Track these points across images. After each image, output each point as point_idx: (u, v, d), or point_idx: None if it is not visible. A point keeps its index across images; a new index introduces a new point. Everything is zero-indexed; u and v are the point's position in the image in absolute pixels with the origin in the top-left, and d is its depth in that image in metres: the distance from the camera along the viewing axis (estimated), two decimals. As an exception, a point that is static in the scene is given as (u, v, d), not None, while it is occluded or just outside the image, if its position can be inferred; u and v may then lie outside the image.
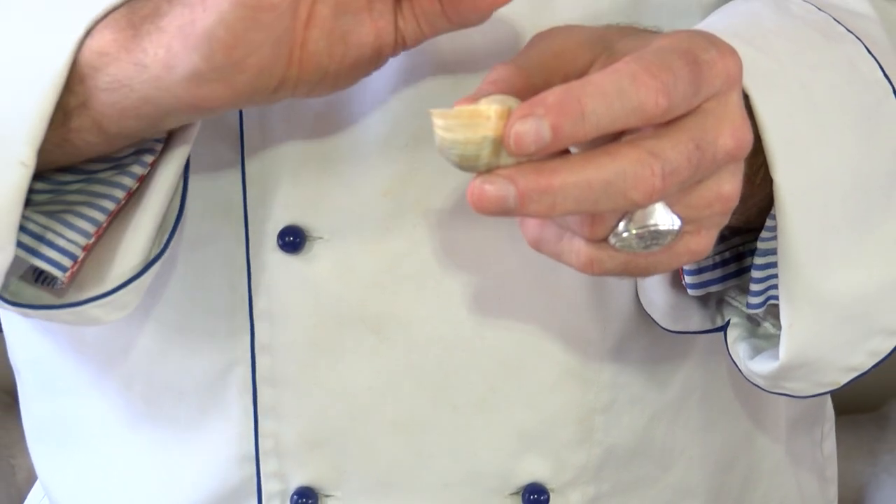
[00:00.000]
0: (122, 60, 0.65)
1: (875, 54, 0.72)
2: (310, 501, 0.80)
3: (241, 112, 0.74)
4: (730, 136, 0.59)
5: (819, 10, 0.73)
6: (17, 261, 0.71)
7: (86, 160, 0.72)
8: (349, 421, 0.77)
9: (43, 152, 0.67)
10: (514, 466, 0.78)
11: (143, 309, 0.80)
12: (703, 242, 0.62)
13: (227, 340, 0.79)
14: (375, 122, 0.74)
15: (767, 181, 0.66)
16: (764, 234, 0.70)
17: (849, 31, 0.72)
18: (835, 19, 0.73)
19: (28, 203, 0.71)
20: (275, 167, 0.75)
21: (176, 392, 0.82)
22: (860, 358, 0.71)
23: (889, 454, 1.55)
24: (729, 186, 0.61)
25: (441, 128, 0.58)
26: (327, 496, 0.80)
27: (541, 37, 0.64)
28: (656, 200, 0.58)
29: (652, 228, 0.59)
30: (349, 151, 0.75)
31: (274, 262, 0.76)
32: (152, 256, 0.73)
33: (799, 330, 0.69)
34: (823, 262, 0.69)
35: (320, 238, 0.75)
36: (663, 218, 0.59)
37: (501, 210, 0.57)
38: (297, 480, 0.79)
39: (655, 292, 0.76)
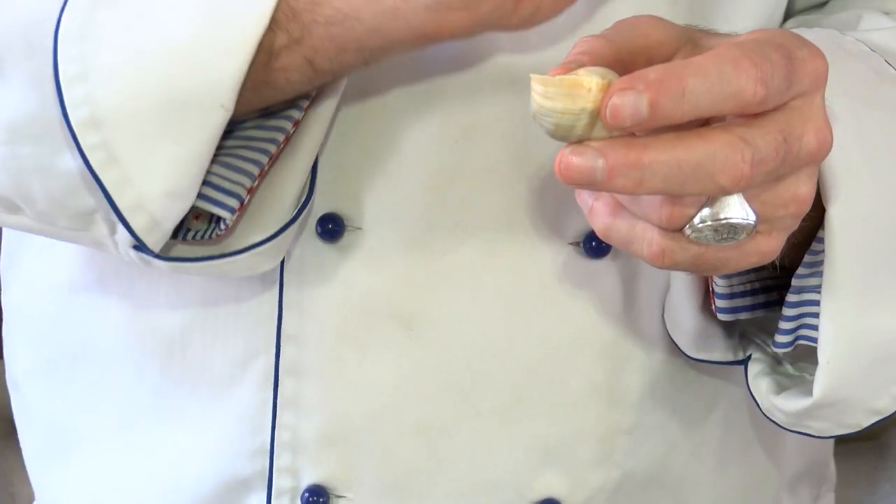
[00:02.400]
0: None
1: None
2: (321, 500, 0.80)
3: None
4: (813, 136, 0.59)
5: (872, 50, 0.74)
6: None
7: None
8: (370, 419, 0.77)
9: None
10: (531, 480, 0.78)
11: (167, 293, 0.80)
12: (773, 244, 0.63)
13: (252, 328, 0.78)
14: (426, 113, 0.74)
15: (809, 214, 0.66)
16: (801, 270, 0.70)
17: None
18: (886, 61, 0.74)
19: None
20: (321, 149, 0.75)
21: (189, 385, 0.82)
22: (885, 401, 0.71)
23: (888, 482, 1.55)
24: (805, 188, 0.61)
25: (540, 94, 0.58)
26: (339, 497, 0.79)
27: (627, 21, 0.64)
28: (743, 187, 0.58)
29: (729, 221, 0.60)
30: (396, 143, 0.74)
31: (309, 251, 0.75)
32: (302, 201, 0.73)
33: (836, 367, 0.69)
34: (867, 300, 0.69)
35: (358, 228, 0.74)
36: (741, 211, 0.60)
37: (588, 181, 0.57)
38: (310, 478, 0.79)
39: (683, 315, 0.76)
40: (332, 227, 0.74)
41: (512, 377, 0.77)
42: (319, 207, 0.75)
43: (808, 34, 0.73)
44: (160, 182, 0.68)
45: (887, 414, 0.72)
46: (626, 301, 0.78)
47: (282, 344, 0.77)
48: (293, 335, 0.76)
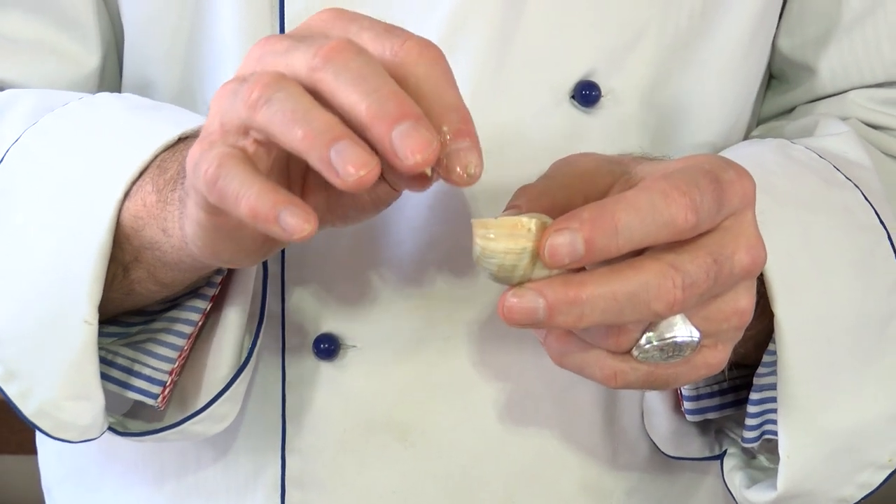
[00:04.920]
0: (152, 226, 0.69)
1: (871, 201, 0.75)
2: None
3: None
4: (746, 253, 0.61)
5: (820, 157, 0.77)
6: (116, 398, 0.76)
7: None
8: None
9: (111, 304, 0.72)
10: None
11: None
12: (720, 356, 0.64)
13: (259, 443, 0.80)
14: (411, 241, 0.76)
15: (765, 315, 0.68)
16: (761, 369, 0.72)
17: (847, 178, 0.76)
18: (835, 167, 0.76)
19: (114, 337, 0.76)
20: (314, 278, 0.78)
21: (205, 494, 0.84)
22: (850, 490, 0.73)
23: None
24: (745, 301, 0.62)
25: (482, 237, 0.60)
26: None
27: (563, 161, 0.66)
28: (677, 311, 0.59)
29: (673, 340, 0.61)
30: (384, 267, 0.77)
31: (309, 368, 0.78)
32: (240, 366, 0.76)
33: (796, 461, 0.71)
34: (821, 397, 0.70)
35: (354, 346, 0.77)
36: (683, 331, 0.61)
37: (531, 322, 0.58)
38: None
39: (658, 417, 0.77)
40: (328, 347, 0.77)
41: (505, 480, 0.78)
42: (316, 328, 0.78)
43: (761, 144, 0.80)
44: (56, 390, 0.73)
45: (853, 502, 0.74)
46: (605, 402, 0.80)
47: (286, 456, 0.79)
48: (296, 448, 0.78)
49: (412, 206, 0.76)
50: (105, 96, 0.79)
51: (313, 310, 0.78)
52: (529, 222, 0.59)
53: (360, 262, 0.77)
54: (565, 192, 0.63)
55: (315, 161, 0.55)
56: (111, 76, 0.86)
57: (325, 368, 0.78)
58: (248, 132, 0.59)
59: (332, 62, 0.57)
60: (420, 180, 0.61)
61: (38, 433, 0.91)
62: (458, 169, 0.56)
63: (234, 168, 0.57)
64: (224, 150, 0.58)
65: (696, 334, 0.61)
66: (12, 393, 0.73)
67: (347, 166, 0.55)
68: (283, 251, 0.77)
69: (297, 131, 0.56)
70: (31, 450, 0.96)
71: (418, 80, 0.58)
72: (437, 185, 0.71)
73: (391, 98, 0.57)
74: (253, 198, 0.56)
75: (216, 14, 0.78)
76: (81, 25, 0.82)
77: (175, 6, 0.80)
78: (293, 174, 0.64)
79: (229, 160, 0.57)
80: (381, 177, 0.61)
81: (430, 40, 0.60)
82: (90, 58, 0.83)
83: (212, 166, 0.58)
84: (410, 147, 0.55)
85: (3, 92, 0.81)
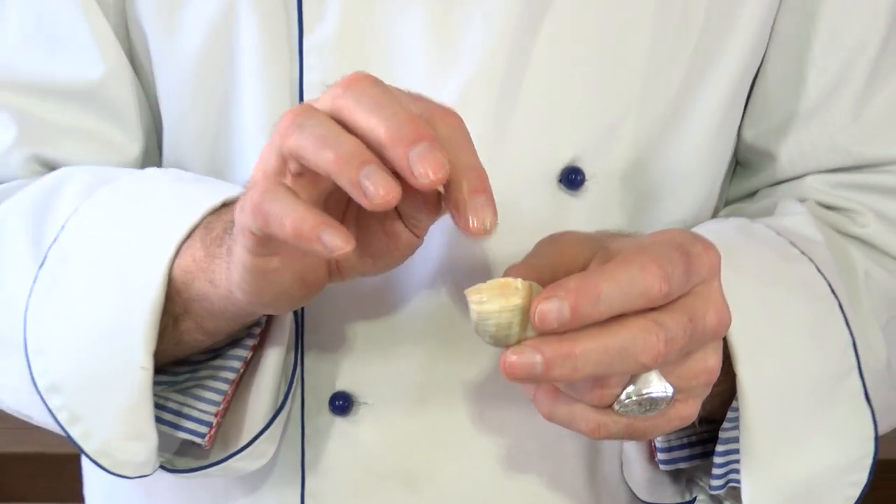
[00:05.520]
0: (200, 279, 0.72)
1: (824, 273, 0.78)
2: None
3: None
4: (714, 314, 0.64)
5: (778, 234, 0.80)
6: (167, 438, 0.79)
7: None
8: None
9: (162, 354, 0.75)
10: None
11: None
12: (690, 409, 0.67)
13: (282, 485, 0.83)
14: (416, 311, 0.80)
15: (729, 375, 0.71)
16: (725, 424, 0.75)
17: (803, 253, 0.79)
18: (791, 243, 0.79)
19: (164, 385, 0.79)
20: (329, 341, 0.81)
21: None
22: None
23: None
24: (713, 360, 0.66)
25: (477, 302, 0.62)
26: None
27: (547, 239, 0.68)
28: (660, 364, 0.62)
29: (650, 396, 0.65)
30: (393, 331, 0.80)
31: (325, 423, 0.81)
32: (277, 408, 0.79)
33: None
34: (780, 449, 0.74)
35: (366, 403, 0.81)
36: (659, 387, 0.65)
37: (530, 376, 0.61)
38: None
39: (635, 466, 0.81)
40: (342, 404, 0.81)
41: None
42: (331, 386, 0.82)
43: (726, 223, 0.84)
44: (114, 431, 0.76)
45: None
46: (588, 455, 0.84)
47: (305, 500, 0.83)
48: (314, 493, 0.82)
49: (417, 282, 0.79)
50: (152, 171, 0.83)
51: (329, 369, 0.82)
52: (516, 281, 0.62)
53: (372, 327, 0.81)
54: (550, 266, 0.66)
55: (345, 182, 0.59)
56: (152, 160, 0.89)
57: (340, 423, 0.81)
58: (286, 171, 0.63)
59: (351, 89, 0.61)
60: (431, 207, 0.64)
61: (85, 482, 0.97)
62: (476, 222, 0.60)
63: (278, 193, 0.61)
64: (268, 183, 0.62)
65: (670, 390, 0.64)
66: (76, 434, 0.76)
67: (376, 188, 0.58)
68: (301, 316, 0.80)
69: (328, 154, 0.60)
70: (80, 498, 0.98)
71: (441, 140, 0.61)
72: (437, 266, 0.78)
73: (408, 122, 0.60)
74: (297, 218, 0.60)
75: (241, 108, 0.83)
76: (126, 118, 0.87)
77: (205, 103, 0.84)
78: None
79: (273, 187, 0.61)
80: (401, 217, 0.66)
81: (451, 108, 0.64)
82: (133, 146, 0.87)
83: (257, 194, 0.62)
84: (426, 166, 0.58)
85: (60, 169, 0.85)
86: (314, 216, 0.60)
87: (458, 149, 0.62)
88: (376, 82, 0.62)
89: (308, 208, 0.60)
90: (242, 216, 0.63)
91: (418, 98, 0.64)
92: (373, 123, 0.60)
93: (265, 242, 0.63)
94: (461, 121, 0.63)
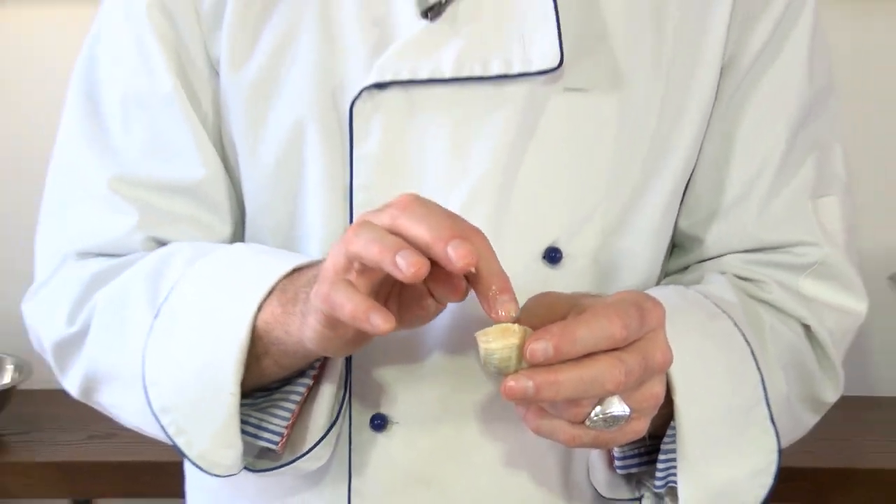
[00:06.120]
0: (278, 329, 0.79)
1: (740, 327, 0.85)
2: None
3: None
4: (661, 354, 0.71)
5: (705, 297, 0.87)
6: (249, 445, 0.84)
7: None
8: None
9: (246, 384, 0.81)
10: None
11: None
12: (642, 426, 0.74)
13: (334, 488, 0.91)
14: (437, 350, 0.87)
15: (669, 403, 0.78)
16: (666, 439, 0.82)
17: (723, 311, 0.86)
18: (714, 304, 0.86)
19: (247, 406, 0.84)
20: (371, 375, 0.88)
21: None
22: None
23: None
24: (658, 389, 0.73)
25: (484, 342, 0.68)
26: None
27: (537, 296, 0.74)
28: (621, 391, 0.69)
29: (612, 414, 0.70)
30: (418, 368, 0.87)
31: (367, 437, 0.89)
32: (331, 422, 0.85)
33: (690, 503, 0.81)
34: (707, 458, 0.80)
35: (397, 423, 0.88)
36: (619, 408, 0.71)
37: (524, 397, 0.67)
38: None
39: (598, 470, 0.88)
40: (380, 423, 0.88)
41: (511, 499, 0.89)
42: (371, 409, 0.88)
43: (667, 289, 0.89)
44: (209, 441, 0.82)
45: None
46: (562, 464, 0.91)
47: (352, 497, 0.90)
48: (358, 490, 0.90)
49: (436, 333, 0.85)
50: (239, 245, 0.90)
51: (370, 396, 0.88)
52: (513, 326, 0.68)
53: (403, 365, 0.87)
54: (539, 316, 0.71)
55: (386, 265, 0.66)
56: (238, 237, 0.95)
57: (378, 437, 0.89)
58: (350, 269, 0.69)
59: (406, 210, 0.68)
60: (459, 290, 0.71)
61: (187, 480, 1.04)
62: (503, 313, 0.69)
63: (341, 287, 0.69)
64: (335, 279, 0.70)
65: (627, 410, 0.71)
66: (180, 443, 0.84)
67: (408, 264, 0.65)
68: (349, 356, 0.85)
69: (376, 248, 0.67)
70: (181, 494, 1.06)
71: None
72: (452, 321, 0.83)
73: (446, 228, 0.67)
74: (353, 306, 0.67)
75: (306, 202, 0.90)
76: (219, 208, 0.94)
77: (279, 199, 0.91)
78: (382, 299, 0.74)
79: (338, 282, 0.69)
80: (431, 294, 0.72)
81: (480, 229, 0.70)
82: (224, 228, 0.94)
83: (326, 286, 0.69)
84: (460, 255, 0.66)
85: (170, 244, 0.91)
86: (366, 303, 0.68)
87: (487, 258, 0.69)
88: (424, 202, 0.70)
89: (362, 298, 0.68)
90: (316, 300, 0.71)
91: (455, 216, 0.71)
92: (421, 231, 0.68)
93: (331, 319, 0.72)
94: (486, 238, 0.70)
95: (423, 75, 0.84)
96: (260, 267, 0.82)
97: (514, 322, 0.69)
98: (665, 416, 0.80)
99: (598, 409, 0.70)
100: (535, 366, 0.68)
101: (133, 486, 1.26)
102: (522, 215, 0.86)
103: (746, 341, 0.85)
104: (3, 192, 1.40)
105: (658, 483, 0.84)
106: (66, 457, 1.28)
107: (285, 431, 0.84)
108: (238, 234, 0.95)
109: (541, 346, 0.67)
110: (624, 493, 0.89)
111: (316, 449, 0.85)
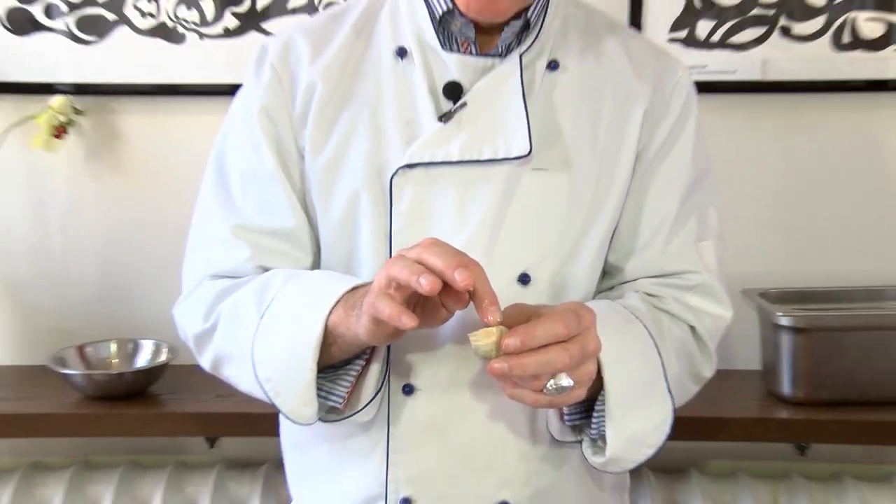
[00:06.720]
0: (341, 326, 0.79)
1: (648, 328, 0.85)
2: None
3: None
4: (593, 344, 0.73)
5: (624, 308, 0.86)
6: (322, 405, 0.84)
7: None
8: (434, 462, 0.87)
9: (321, 363, 0.80)
10: (490, 489, 0.88)
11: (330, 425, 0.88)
12: (581, 392, 0.75)
13: (377, 433, 0.89)
14: (447, 341, 0.86)
15: (599, 378, 0.79)
16: (598, 403, 0.83)
17: (637, 318, 0.85)
18: (631, 312, 0.86)
19: (321, 378, 0.83)
20: (404, 357, 0.86)
21: (351, 450, 0.90)
22: (640, 455, 0.84)
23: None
24: (592, 368, 0.75)
25: (474, 340, 0.71)
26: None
27: (512, 307, 0.75)
28: (567, 369, 0.71)
29: (561, 385, 0.72)
30: (435, 352, 0.86)
31: (399, 400, 0.87)
32: (377, 389, 0.85)
33: (614, 444, 0.81)
34: (625, 415, 0.81)
35: (420, 390, 0.87)
36: (566, 381, 0.72)
37: (502, 375, 0.70)
38: (404, 492, 0.87)
39: (553, 423, 0.88)
40: (408, 390, 0.87)
41: (490, 446, 0.88)
42: (403, 380, 0.86)
43: (599, 302, 0.87)
44: (296, 401, 0.82)
45: (641, 461, 0.83)
46: (532, 417, 0.89)
47: (390, 441, 0.88)
48: (395, 435, 0.88)
49: (448, 329, 0.84)
50: (317, 272, 0.89)
51: (402, 371, 0.87)
52: (492, 329, 0.70)
53: (425, 350, 0.86)
54: (513, 318, 0.73)
55: (414, 284, 0.67)
56: (316, 266, 0.93)
57: (407, 400, 0.87)
58: (391, 286, 0.70)
59: (427, 249, 0.70)
60: (463, 301, 0.71)
61: (281, 426, 1.00)
62: (491, 317, 0.70)
63: (384, 299, 0.70)
64: (379, 292, 0.71)
65: (571, 382, 0.73)
66: (277, 402, 0.83)
67: (426, 282, 0.67)
68: (388, 347, 0.84)
69: (406, 273, 0.68)
70: (276, 433, 1.02)
71: (473, 274, 0.69)
72: (457, 322, 0.81)
73: (454, 262, 0.68)
74: (390, 310, 0.69)
75: (360, 245, 0.88)
76: (305, 247, 0.92)
77: (343, 242, 0.89)
78: (411, 307, 0.73)
79: (382, 296, 0.71)
80: (444, 305, 0.72)
81: (477, 261, 0.71)
82: (307, 259, 0.92)
83: (373, 298, 0.71)
84: (462, 279, 0.67)
85: (271, 271, 0.90)
86: (399, 309, 0.69)
87: (481, 281, 0.71)
88: (440, 243, 0.71)
89: (396, 305, 0.69)
90: (367, 307, 0.72)
91: (460, 252, 0.72)
92: (437, 262, 0.70)
93: (376, 320, 0.73)
94: (481, 267, 0.71)
95: (438, 159, 0.83)
96: (330, 286, 0.82)
97: (497, 323, 0.69)
98: (597, 387, 0.80)
99: (551, 381, 0.71)
100: (508, 354, 0.69)
101: (245, 429, 1.25)
102: (504, 252, 0.85)
103: (651, 336, 0.85)
104: (162, 237, 1.40)
105: (593, 431, 0.85)
106: (201, 409, 1.27)
107: (346, 395, 0.84)
108: (316, 263, 0.93)
109: (512, 342, 0.69)
110: (570, 437, 0.89)
111: (367, 407, 0.85)
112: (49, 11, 1.24)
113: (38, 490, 1.35)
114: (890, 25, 1.21)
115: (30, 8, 1.24)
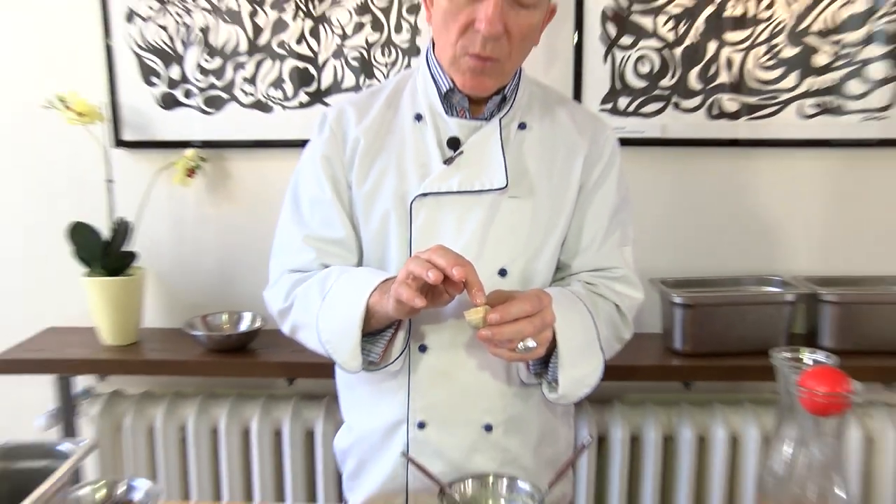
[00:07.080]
0: (377, 306, 0.76)
1: (587, 305, 0.82)
2: (423, 427, 0.82)
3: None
4: (550, 318, 0.72)
5: (571, 292, 0.83)
6: (365, 359, 0.81)
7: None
8: (444, 396, 0.83)
9: (364, 331, 0.78)
10: (478, 415, 0.84)
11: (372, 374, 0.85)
12: (542, 351, 0.74)
13: (402, 379, 0.85)
14: (450, 315, 0.83)
15: (554, 340, 0.77)
16: (553, 358, 0.81)
17: (579, 299, 0.83)
18: (575, 295, 0.83)
19: (365, 340, 0.81)
20: (420, 326, 0.83)
21: (384, 390, 0.85)
22: (581, 394, 0.81)
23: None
24: (549, 334, 0.74)
25: (467, 315, 0.70)
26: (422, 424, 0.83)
27: (494, 292, 0.73)
28: (532, 335, 0.70)
29: (528, 346, 0.72)
30: (441, 322, 0.83)
31: (416, 356, 0.84)
32: (402, 349, 0.83)
33: (563, 385, 0.80)
34: (572, 365, 0.79)
35: (431, 348, 0.84)
36: (532, 343, 0.71)
37: (488, 340, 0.70)
38: (419, 417, 0.83)
39: (522, 371, 0.85)
40: (423, 348, 0.84)
41: (481, 388, 0.84)
42: (419, 341, 0.84)
43: (554, 288, 0.84)
44: (347, 356, 0.79)
45: (581, 396, 0.81)
46: (509, 367, 0.86)
47: (410, 385, 0.85)
48: (414, 381, 0.85)
49: (450, 307, 0.81)
50: (361, 268, 0.85)
51: (419, 335, 0.84)
52: (480, 308, 0.69)
53: (434, 321, 0.83)
54: (494, 300, 0.72)
55: (424, 276, 0.66)
56: (360, 265, 0.89)
57: (423, 356, 0.84)
58: (409, 278, 0.69)
59: (435, 252, 0.69)
60: (459, 289, 0.69)
61: (337, 374, 0.95)
62: (479, 301, 0.69)
63: (404, 287, 0.69)
64: (401, 283, 0.70)
65: (535, 344, 0.72)
66: (334, 357, 0.80)
67: (434, 276, 0.66)
68: (410, 320, 0.82)
69: (419, 268, 0.68)
70: (333, 376, 0.98)
71: (465, 271, 0.68)
72: (457, 305, 0.79)
73: (453, 261, 0.68)
74: (408, 294, 0.69)
75: (390, 250, 0.85)
76: (352, 250, 0.88)
77: (378, 248, 0.86)
78: (423, 293, 0.72)
79: (402, 284, 0.70)
80: (447, 291, 0.70)
81: (469, 261, 0.69)
82: (353, 258, 0.88)
83: (396, 285, 0.70)
84: (458, 273, 0.67)
85: (330, 267, 0.87)
86: (414, 293, 0.68)
87: (472, 275, 0.70)
88: (444, 248, 0.71)
89: (412, 291, 0.68)
90: (393, 292, 0.71)
91: (458, 255, 0.71)
92: (441, 261, 0.69)
93: (399, 301, 0.71)
94: (472, 265, 0.70)
95: (444, 190, 0.82)
96: (369, 278, 0.80)
97: (483, 304, 0.69)
98: (551, 347, 0.79)
99: (521, 343, 0.71)
100: (491, 325, 0.69)
101: (312, 373, 1.23)
102: (488, 254, 0.83)
103: (589, 312, 0.83)
104: (257, 243, 1.38)
105: (549, 377, 0.83)
106: (283, 359, 1.24)
107: (381, 353, 0.82)
108: (359, 262, 0.90)
109: (494, 317, 0.69)
110: (534, 381, 0.87)
111: (395, 361, 0.83)
112: (187, 94, 1.30)
113: (178, 410, 1.36)
114: (742, 103, 1.25)
115: (174, 92, 1.30)
